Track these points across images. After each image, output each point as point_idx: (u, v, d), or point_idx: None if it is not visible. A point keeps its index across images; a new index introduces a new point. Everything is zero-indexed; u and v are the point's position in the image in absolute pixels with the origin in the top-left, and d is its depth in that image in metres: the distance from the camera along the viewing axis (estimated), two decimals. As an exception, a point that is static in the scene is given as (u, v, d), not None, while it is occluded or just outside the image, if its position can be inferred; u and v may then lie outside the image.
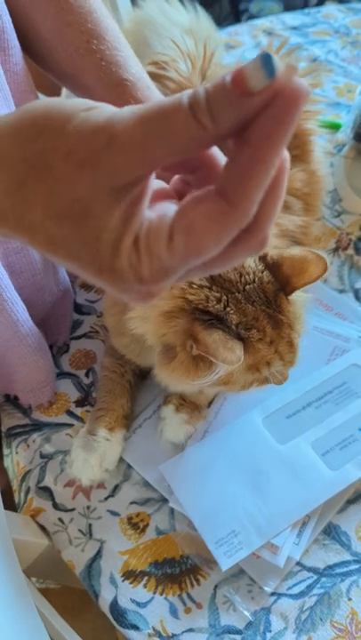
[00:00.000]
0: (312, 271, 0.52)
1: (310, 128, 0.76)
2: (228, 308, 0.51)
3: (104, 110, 0.26)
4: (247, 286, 0.52)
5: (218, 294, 0.51)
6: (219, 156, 0.29)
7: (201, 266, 0.28)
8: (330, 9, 1.30)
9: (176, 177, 0.33)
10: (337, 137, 0.98)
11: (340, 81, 1.10)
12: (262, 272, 0.53)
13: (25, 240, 0.30)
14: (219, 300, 0.51)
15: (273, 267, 0.53)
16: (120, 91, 0.59)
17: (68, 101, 0.27)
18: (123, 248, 0.27)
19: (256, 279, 0.52)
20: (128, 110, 0.25)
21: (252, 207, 0.26)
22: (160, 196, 0.30)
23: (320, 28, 1.23)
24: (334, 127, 0.99)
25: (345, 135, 0.96)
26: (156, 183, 0.30)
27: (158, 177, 0.31)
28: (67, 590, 0.92)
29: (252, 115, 0.23)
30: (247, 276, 0.52)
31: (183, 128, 0.24)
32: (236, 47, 1.21)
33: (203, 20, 0.97)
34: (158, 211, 0.27)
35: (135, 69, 0.60)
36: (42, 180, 0.27)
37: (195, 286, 0.51)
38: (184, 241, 0.26)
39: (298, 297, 0.55)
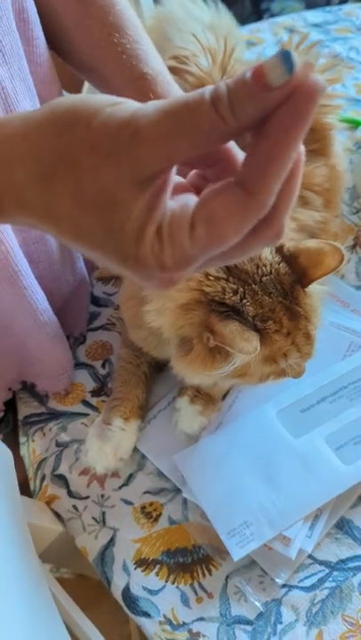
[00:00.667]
0: (329, 263, 0.52)
1: (330, 122, 0.75)
2: (245, 300, 0.51)
3: (129, 106, 0.27)
4: (264, 278, 0.52)
5: (235, 286, 0.51)
6: (236, 150, 0.30)
7: (220, 255, 0.29)
8: (352, 7, 1.29)
9: (193, 172, 0.34)
10: (357, 134, 0.97)
11: (361, 78, 1.10)
12: (279, 264, 0.53)
13: (51, 230, 0.31)
14: (235, 292, 0.51)
15: (290, 258, 0.54)
16: (140, 84, 0.59)
17: (94, 97, 0.29)
18: (146, 236, 0.28)
19: (273, 271, 0.53)
20: (152, 105, 0.26)
21: (270, 197, 0.27)
22: (179, 190, 0.31)
23: (342, 26, 1.23)
24: (355, 124, 0.99)
25: (365, 132, 0.95)
26: (175, 178, 0.31)
27: (177, 172, 0.32)
28: (81, 582, 0.93)
29: (271, 109, 0.25)
30: (264, 268, 0.52)
31: (205, 122, 0.25)
32: (258, 44, 1.21)
33: (224, 16, 0.97)
34: (180, 201, 0.29)
35: (155, 63, 0.60)
36: (70, 171, 0.28)
37: (211, 278, 0.51)
38: (205, 230, 0.27)
39: (314, 289, 0.55)
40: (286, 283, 0.53)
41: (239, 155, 0.30)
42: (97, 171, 0.27)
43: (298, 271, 0.53)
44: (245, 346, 0.48)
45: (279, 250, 0.54)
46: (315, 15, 1.26)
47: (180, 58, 0.75)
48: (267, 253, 0.53)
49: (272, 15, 2.45)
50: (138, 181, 0.27)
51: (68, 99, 0.29)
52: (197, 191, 0.32)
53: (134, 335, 0.67)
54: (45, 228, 0.31)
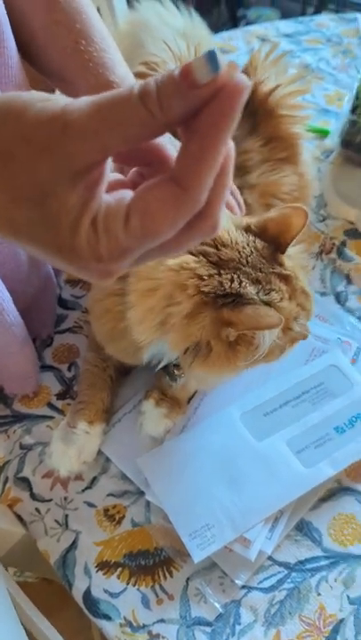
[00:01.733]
0: (296, 223, 0.55)
1: (299, 132, 0.77)
2: (243, 283, 0.52)
3: (59, 100, 0.28)
4: (249, 258, 0.54)
5: (228, 275, 0.52)
6: (169, 148, 0.32)
7: (157, 248, 0.31)
8: (323, 18, 1.32)
9: (133, 170, 0.35)
10: (325, 143, 0.99)
11: (331, 89, 1.12)
12: (255, 242, 0.55)
13: None
14: (232, 280, 0.52)
15: (260, 233, 0.56)
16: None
17: (26, 93, 0.29)
18: (81, 227, 0.29)
19: (253, 249, 0.55)
20: (83, 100, 0.27)
21: (203, 192, 0.28)
22: (118, 186, 0.32)
23: (313, 37, 1.25)
24: (323, 133, 1.01)
25: (333, 142, 0.97)
26: (113, 175, 0.33)
27: (116, 170, 0.33)
28: (45, 587, 0.93)
29: (198, 106, 0.26)
30: (244, 250, 0.54)
31: (134, 116, 0.26)
32: (230, 52, 1.22)
33: (197, 24, 0.99)
34: (116, 195, 0.30)
35: (121, 71, 0.61)
36: (4, 165, 0.28)
37: (205, 278, 0.52)
38: (140, 222, 0.28)
39: (291, 251, 0.58)
40: (268, 255, 0.55)
41: (173, 153, 0.32)
42: (31, 163, 0.28)
43: (272, 241, 0.56)
44: (270, 320, 0.50)
45: (248, 229, 0.56)
46: (287, 25, 1.28)
47: (149, 64, 0.76)
48: (240, 237, 0.55)
49: (248, 23, 2.48)
50: (72, 174, 0.28)
51: (2, 95, 0.30)
52: (136, 188, 0.33)
53: (110, 348, 0.66)
54: None
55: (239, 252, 0.54)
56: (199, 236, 0.31)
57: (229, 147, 0.29)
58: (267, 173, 0.74)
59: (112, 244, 0.29)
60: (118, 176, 0.34)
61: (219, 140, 0.26)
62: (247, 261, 0.54)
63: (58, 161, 0.27)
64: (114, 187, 0.31)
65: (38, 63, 0.62)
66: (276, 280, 0.54)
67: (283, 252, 0.56)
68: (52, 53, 0.59)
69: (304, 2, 2.47)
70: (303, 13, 2.44)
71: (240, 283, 0.52)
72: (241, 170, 0.73)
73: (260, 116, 0.75)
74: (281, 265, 0.56)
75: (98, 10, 1.21)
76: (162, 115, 0.26)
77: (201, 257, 0.53)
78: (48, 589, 0.90)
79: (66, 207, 0.28)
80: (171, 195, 0.28)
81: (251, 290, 0.52)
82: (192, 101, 0.26)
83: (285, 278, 0.55)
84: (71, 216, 0.28)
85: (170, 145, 0.32)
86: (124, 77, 0.60)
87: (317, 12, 2.34)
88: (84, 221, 0.28)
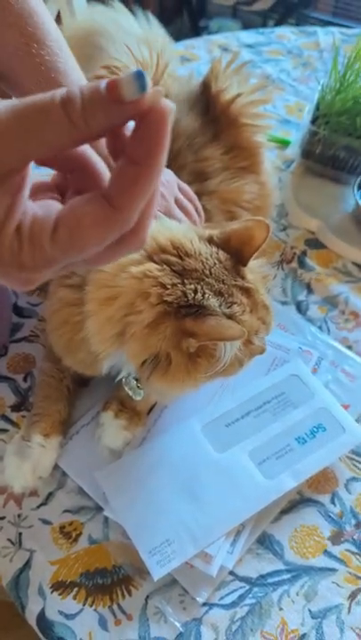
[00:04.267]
0: (258, 236, 0.55)
1: (260, 141, 0.77)
2: (207, 294, 0.51)
3: None
4: (212, 269, 0.53)
5: (192, 286, 0.51)
6: (95, 159, 0.32)
7: (83, 260, 0.31)
8: (284, 30, 1.34)
9: (56, 172, 0.35)
10: (286, 153, 1.00)
11: (291, 100, 1.13)
12: (217, 253, 0.54)
13: None
14: (195, 291, 0.51)
15: (223, 245, 0.55)
16: None
17: None
18: (4, 234, 0.28)
19: (215, 261, 0.54)
20: (6, 103, 0.27)
21: (134, 215, 0.29)
22: (41, 189, 0.32)
23: (274, 48, 1.26)
24: (284, 143, 1.02)
25: (293, 152, 0.98)
26: (35, 177, 0.32)
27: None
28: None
29: (119, 123, 0.27)
30: (207, 261, 0.53)
31: (55, 123, 0.26)
32: (192, 60, 1.22)
33: (157, 31, 0.98)
34: (43, 206, 0.30)
35: (75, 77, 0.60)
36: None
37: (168, 287, 0.50)
38: (68, 235, 0.28)
39: (252, 264, 0.57)
40: (230, 267, 0.54)
41: (98, 163, 0.32)
42: None
43: (234, 253, 0.55)
44: (233, 332, 0.50)
45: (210, 241, 0.55)
46: (248, 36, 1.29)
47: (111, 68, 0.75)
48: (203, 248, 0.54)
49: (209, 33, 2.50)
50: None
51: None
52: (61, 191, 0.34)
53: (68, 360, 0.64)
54: None
55: (203, 263, 0.53)
56: (127, 251, 0.32)
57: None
58: (227, 181, 0.74)
59: (37, 253, 0.28)
60: (41, 179, 0.33)
61: (154, 167, 0.27)
62: (210, 272, 0.53)
63: None
64: (37, 190, 0.31)
65: None
66: (238, 293, 0.54)
67: (245, 265, 0.56)
68: (1, 54, 0.57)
69: (265, 15, 2.51)
70: (264, 26, 2.47)
71: (203, 294, 0.51)
72: (201, 176, 0.72)
73: (222, 124, 0.75)
74: (243, 277, 0.55)
75: (58, 13, 1.19)
76: (85, 125, 0.26)
77: (164, 265, 0.51)
78: (2, 607, 0.87)
79: None
80: (103, 213, 0.28)
81: (214, 302, 0.51)
82: (115, 117, 0.26)
83: (247, 291, 0.55)
84: None
85: (94, 154, 0.32)
86: (77, 83, 0.59)
87: (278, 25, 2.38)
88: (7, 228, 0.28)
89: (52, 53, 0.58)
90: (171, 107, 0.26)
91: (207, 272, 0.53)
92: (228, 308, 0.52)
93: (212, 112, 0.75)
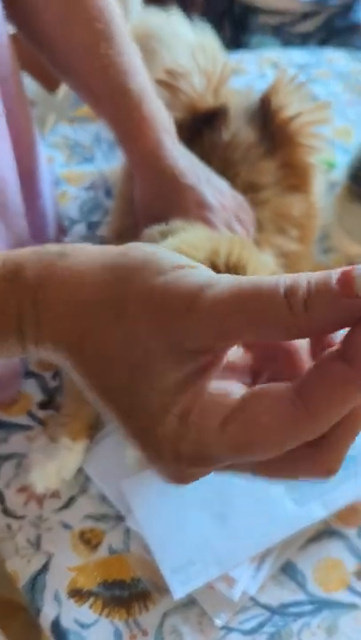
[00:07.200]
0: None
1: (313, 162, 0.76)
2: None
3: (195, 275, 0.25)
4: None
5: None
6: (303, 356, 0.27)
7: (250, 464, 0.26)
8: (334, 53, 1.33)
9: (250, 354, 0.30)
10: (331, 176, 0.99)
11: (339, 122, 1.12)
12: None
13: (65, 361, 0.28)
14: None
15: None
16: (124, 101, 0.58)
17: (151, 248, 0.27)
18: (169, 414, 0.24)
19: None
20: (229, 279, 0.24)
21: (326, 423, 0.23)
22: (232, 369, 0.28)
23: (323, 69, 1.26)
24: (330, 166, 1.01)
25: (340, 175, 0.97)
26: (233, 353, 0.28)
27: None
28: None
29: (348, 319, 0.22)
30: None
31: (274, 313, 0.22)
32: (241, 74, 1.22)
33: (212, 39, 0.97)
34: (221, 387, 0.25)
35: (141, 78, 0.59)
36: (113, 314, 0.26)
37: None
38: (239, 431, 0.23)
39: None
40: None
41: (302, 354, 0.27)
42: (138, 323, 0.25)
43: None
44: None
45: None
46: (300, 55, 1.29)
47: (173, 73, 0.74)
48: None
49: (250, 48, 2.50)
50: (179, 350, 0.24)
51: (140, 251, 0.27)
52: (254, 375, 0.29)
53: None
54: (63, 357, 0.28)
55: None
56: (305, 473, 0.26)
57: None
58: (279, 194, 0.73)
59: (198, 446, 0.24)
60: (237, 357, 0.29)
61: None
62: None
63: (167, 331, 0.24)
64: (226, 369, 0.27)
65: (51, 57, 0.59)
66: None
67: None
68: (64, 49, 0.57)
69: (307, 36, 2.51)
70: (304, 43, 2.47)
71: None
72: (254, 187, 0.71)
73: (278, 140, 0.74)
74: None
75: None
76: (306, 321, 0.22)
77: None
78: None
79: (159, 385, 0.24)
80: (287, 413, 0.23)
81: None
82: (346, 314, 0.22)
83: None
84: (161, 397, 0.24)
85: (304, 349, 0.27)
86: (144, 85, 0.58)
87: (322, 43, 2.38)
88: (174, 410, 0.24)
89: (119, 53, 0.57)
90: None
91: None
92: None
93: (270, 127, 0.74)
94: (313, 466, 0.25)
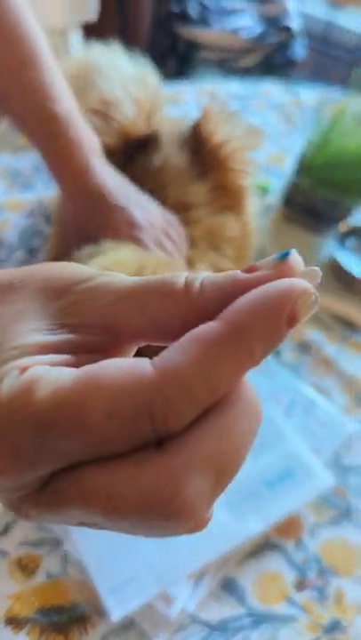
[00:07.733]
0: None
1: (245, 186, 0.79)
2: None
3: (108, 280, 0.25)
4: None
5: None
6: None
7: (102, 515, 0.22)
8: (270, 87, 1.39)
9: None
10: (266, 200, 1.03)
11: (272, 149, 1.17)
12: None
13: None
14: None
15: None
16: (52, 126, 0.59)
17: (80, 266, 0.26)
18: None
19: None
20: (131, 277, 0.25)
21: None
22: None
23: (260, 101, 1.31)
24: (263, 190, 1.05)
25: (274, 199, 1.01)
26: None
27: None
28: None
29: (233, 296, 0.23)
30: None
31: (171, 294, 0.23)
32: (179, 104, 1.26)
33: (150, 72, 1.01)
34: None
35: (67, 104, 0.60)
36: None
37: None
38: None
39: None
40: None
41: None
42: (25, 287, 0.24)
43: None
44: None
45: None
46: (236, 86, 1.35)
47: (106, 102, 0.76)
48: None
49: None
50: (54, 321, 0.24)
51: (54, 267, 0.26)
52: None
53: None
54: None
55: None
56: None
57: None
58: (211, 214, 0.75)
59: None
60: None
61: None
62: None
63: (56, 300, 0.24)
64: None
65: None
66: None
67: None
68: None
69: (248, 71, 2.62)
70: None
71: None
72: (184, 207, 0.73)
73: (209, 165, 0.77)
74: None
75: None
76: (199, 294, 0.23)
77: None
78: None
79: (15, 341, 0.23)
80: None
81: None
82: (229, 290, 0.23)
83: None
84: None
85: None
86: (69, 112, 0.59)
87: (262, 75, 2.49)
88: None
89: (45, 79, 0.59)
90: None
91: None
92: None
93: (202, 153, 0.77)
94: (158, 474, 0.21)
